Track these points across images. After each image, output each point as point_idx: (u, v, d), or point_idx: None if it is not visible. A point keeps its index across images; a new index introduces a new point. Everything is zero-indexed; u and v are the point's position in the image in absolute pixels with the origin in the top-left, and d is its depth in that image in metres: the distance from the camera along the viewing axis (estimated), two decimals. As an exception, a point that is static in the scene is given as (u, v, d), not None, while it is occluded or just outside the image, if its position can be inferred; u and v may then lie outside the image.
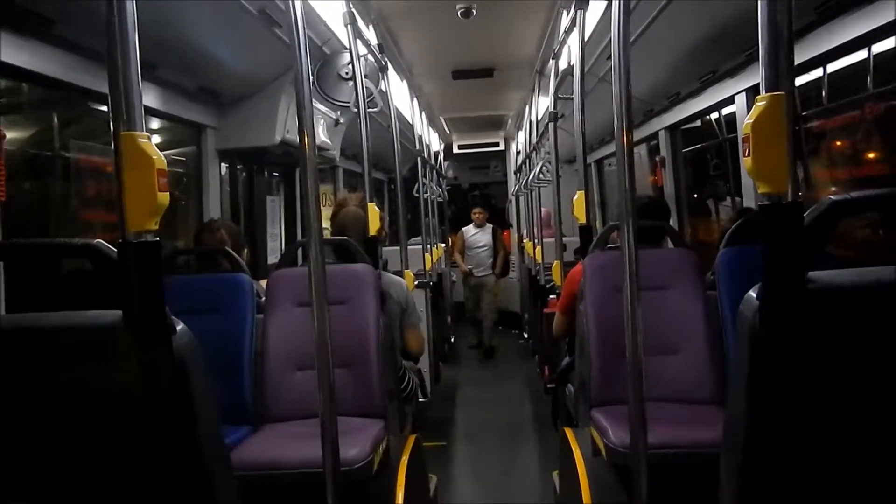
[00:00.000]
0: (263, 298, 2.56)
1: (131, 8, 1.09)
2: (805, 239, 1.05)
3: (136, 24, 1.10)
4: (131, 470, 1.22)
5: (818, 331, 1.04)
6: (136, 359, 1.14)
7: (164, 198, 1.11)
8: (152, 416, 1.16)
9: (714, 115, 3.90)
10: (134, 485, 1.22)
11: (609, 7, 2.97)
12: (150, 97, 2.82)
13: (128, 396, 1.17)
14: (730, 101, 3.34)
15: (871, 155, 2.57)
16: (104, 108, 2.71)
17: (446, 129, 9.44)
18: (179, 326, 1.17)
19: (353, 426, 2.15)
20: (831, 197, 1.11)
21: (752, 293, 1.07)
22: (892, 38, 2.20)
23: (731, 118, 3.59)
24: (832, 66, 2.63)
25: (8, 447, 1.24)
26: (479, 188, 11.21)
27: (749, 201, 3.23)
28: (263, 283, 2.69)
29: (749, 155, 1.05)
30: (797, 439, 1.08)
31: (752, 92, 3.05)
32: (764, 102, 1.05)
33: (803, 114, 2.81)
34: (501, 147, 10.14)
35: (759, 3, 1.04)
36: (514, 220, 9.80)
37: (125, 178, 1.08)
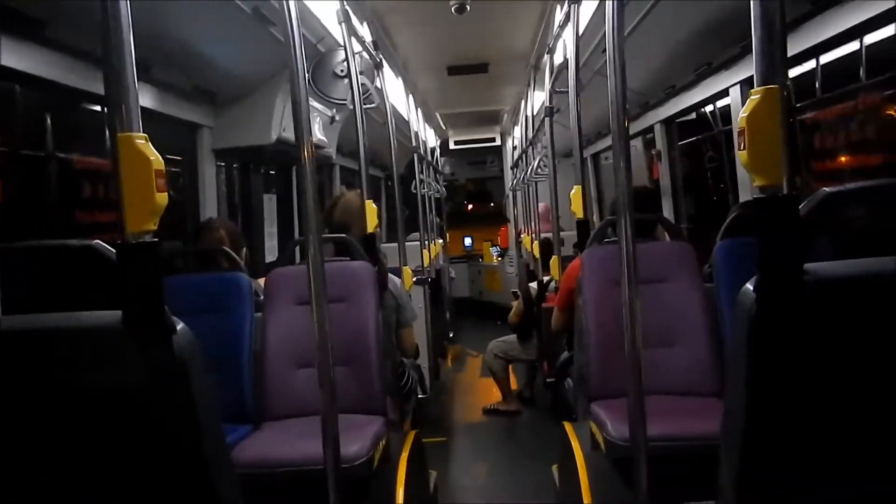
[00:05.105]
0: (262, 297, 2.56)
1: (125, 9, 1.09)
2: (801, 230, 1.05)
3: (131, 25, 1.10)
4: (133, 470, 1.22)
5: (815, 322, 1.05)
6: (136, 359, 1.14)
7: (163, 198, 1.11)
8: (154, 416, 1.17)
9: (709, 108, 3.90)
10: (137, 485, 1.22)
11: (603, 1, 2.97)
12: (145, 98, 2.81)
13: (129, 397, 1.18)
14: (724, 93, 3.34)
15: (865, 145, 2.57)
16: (97, 108, 2.71)
17: (442, 125, 9.43)
18: (179, 326, 1.17)
19: (353, 423, 2.16)
20: (825, 189, 1.11)
21: (749, 286, 1.07)
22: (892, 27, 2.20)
23: (726, 110, 3.59)
24: (825, 58, 2.63)
25: (9, 449, 1.24)
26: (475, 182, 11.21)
27: (745, 193, 3.23)
28: (261, 281, 2.69)
29: (744, 148, 1.06)
30: (795, 429, 1.09)
31: (747, 84, 3.05)
32: (758, 96, 1.05)
33: (797, 105, 2.81)
34: (498, 142, 10.13)
35: None
36: (510, 216, 9.80)
37: (123, 179, 1.08)
